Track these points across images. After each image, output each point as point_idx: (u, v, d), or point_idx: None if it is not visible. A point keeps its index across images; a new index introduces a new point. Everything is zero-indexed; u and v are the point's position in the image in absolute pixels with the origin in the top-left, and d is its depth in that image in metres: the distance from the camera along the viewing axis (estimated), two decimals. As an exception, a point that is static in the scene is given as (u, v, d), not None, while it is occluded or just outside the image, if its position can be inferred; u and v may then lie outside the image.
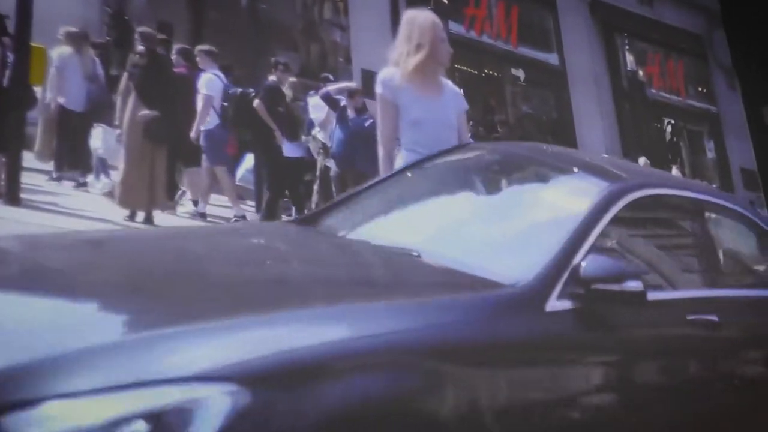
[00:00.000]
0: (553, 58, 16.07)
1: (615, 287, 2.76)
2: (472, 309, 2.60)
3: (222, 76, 8.87)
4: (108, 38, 9.88)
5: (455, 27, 13.82)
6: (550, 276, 2.75)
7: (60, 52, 8.88)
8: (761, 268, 4.19)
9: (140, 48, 8.42)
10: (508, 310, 2.64)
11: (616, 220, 3.13)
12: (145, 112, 7.95)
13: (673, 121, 18.82)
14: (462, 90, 4.75)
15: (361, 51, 12.64)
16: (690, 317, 3.18)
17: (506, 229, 3.22)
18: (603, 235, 3.07)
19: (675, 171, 13.50)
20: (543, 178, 3.66)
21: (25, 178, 7.95)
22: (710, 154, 19.21)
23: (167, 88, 8.16)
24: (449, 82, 4.57)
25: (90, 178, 9.26)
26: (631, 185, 3.30)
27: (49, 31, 8.77)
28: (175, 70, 8.44)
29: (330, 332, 2.26)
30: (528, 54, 15.75)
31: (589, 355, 2.83)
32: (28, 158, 8.54)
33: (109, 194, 8.49)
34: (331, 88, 9.30)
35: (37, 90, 8.60)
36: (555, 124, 16.04)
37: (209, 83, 8.71)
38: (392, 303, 2.55)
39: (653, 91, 18.00)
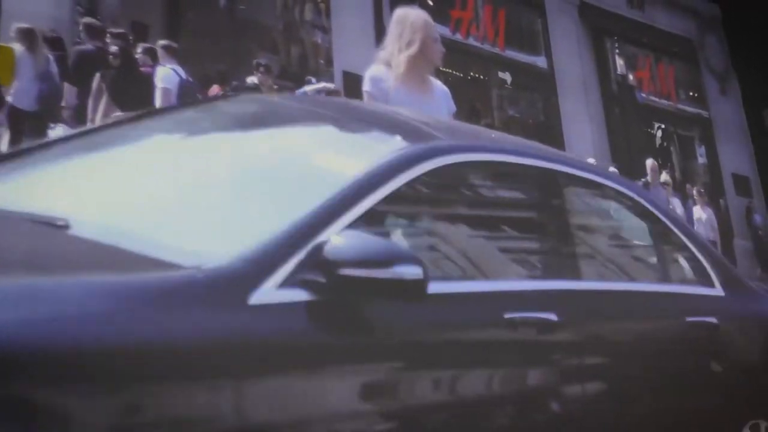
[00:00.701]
0: (541, 61, 15.87)
1: (378, 274, 2.03)
2: (104, 298, 1.80)
3: (180, 70, 8.62)
4: (78, 40, 9.53)
5: (441, 29, 13.43)
6: (267, 257, 2.02)
7: None
8: (649, 257, 3.46)
9: (114, 48, 8.28)
10: (176, 300, 1.87)
11: (421, 191, 2.46)
12: (117, 113, 7.72)
13: (663, 126, 18.64)
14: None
15: (343, 53, 12.40)
16: (509, 315, 2.47)
17: (232, 197, 2.40)
18: (401, 211, 2.43)
19: (665, 176, 13.15)
20: (313, 135, 2.85)
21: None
22: (701, 159, 19.03)
23: (140, 89, 7.95)
24: (438, 82, 4.36)
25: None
26: (436, 148, 2.57)
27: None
28: (141, 69, 8.22)
29: None
30: (515, 57, 15.55)
31: (319, 366, 2.05)
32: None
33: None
34: (309, 88, 9.08)
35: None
36: (542, 127, 15.80)
37: (165, 77, 8.49)
38: None
39: (643, 95, 17.81)
